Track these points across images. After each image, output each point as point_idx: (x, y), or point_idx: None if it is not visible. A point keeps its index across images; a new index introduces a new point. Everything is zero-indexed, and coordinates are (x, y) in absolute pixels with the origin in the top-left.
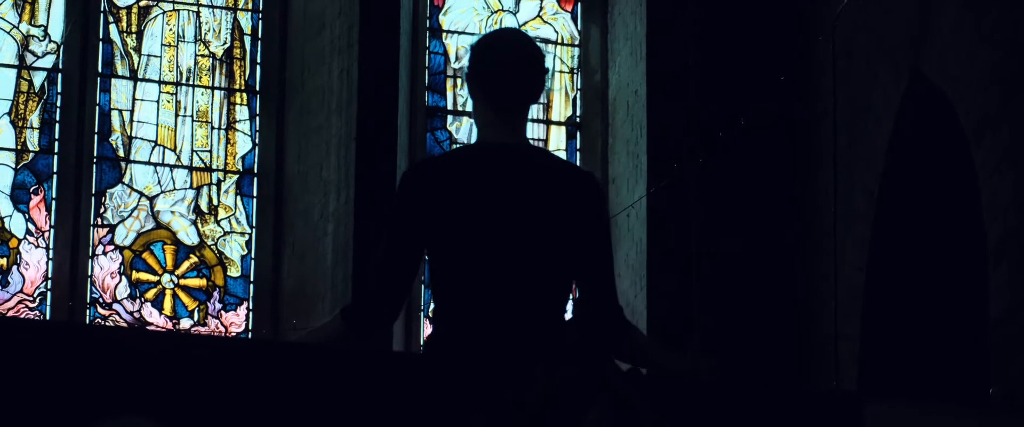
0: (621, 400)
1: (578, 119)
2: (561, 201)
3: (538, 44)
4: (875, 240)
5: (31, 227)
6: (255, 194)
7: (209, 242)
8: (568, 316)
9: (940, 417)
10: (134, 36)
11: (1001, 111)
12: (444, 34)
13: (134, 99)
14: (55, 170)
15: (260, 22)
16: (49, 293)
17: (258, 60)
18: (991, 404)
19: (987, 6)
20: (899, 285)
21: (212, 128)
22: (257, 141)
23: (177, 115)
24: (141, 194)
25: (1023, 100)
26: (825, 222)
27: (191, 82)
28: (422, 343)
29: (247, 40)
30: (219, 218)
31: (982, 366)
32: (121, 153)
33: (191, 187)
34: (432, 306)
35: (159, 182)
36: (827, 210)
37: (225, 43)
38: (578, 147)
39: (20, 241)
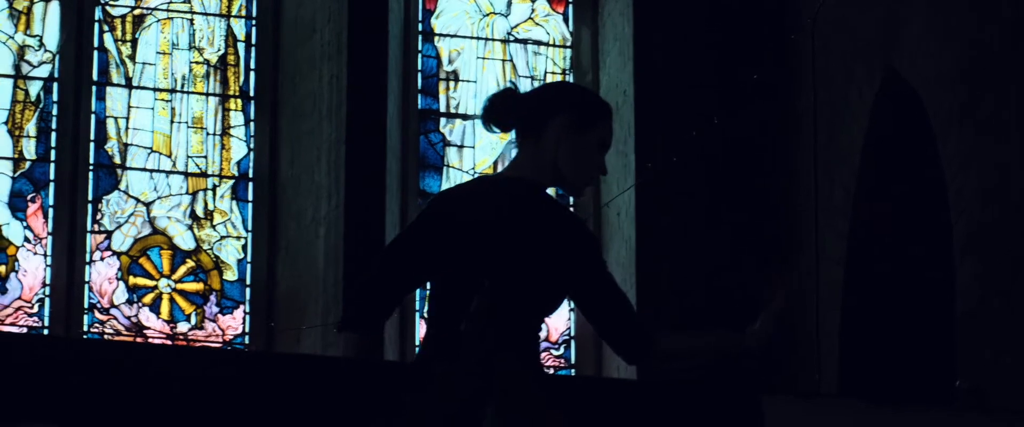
0: (516, 399)
1: None
2: (512, 227)
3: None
4: (853, 235)
5: (29, 234)
6: (250, 198)
7: (205, 246)
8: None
9: (834, 411)
10: (129, 44)
11: (967, 109)
12: (436, 37)
13: (129, 106)
14: (52, 178)
15: (253, 28)
16: (47, 299)
17: (252, 66)
18: (904, 400)
19: (954, 6)
20: (875, 280)
21: (207, 134)
22: (251, 146)
23: (172, 122)
24: (137, 200)
25: (988, 98)
26: (807, 218)
27: (186, 89)
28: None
29: (241, 46)
30: (215, 223)
31: (951, 359)
32: (117, 160)
33: (187, 192)
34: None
35: (155, 188)
36: (808, 206)
37: (219, 50)
38: None
39: (18, 248)
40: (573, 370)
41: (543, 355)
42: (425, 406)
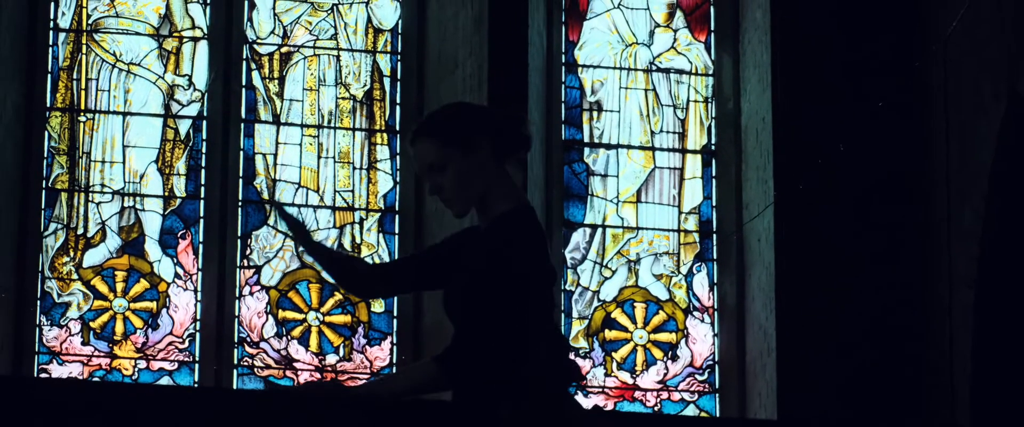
0: None
1: (713, 147)
2: None
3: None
4: (983, 258)
5: (179, 271)
6: (396, 231)
7: None
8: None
9: None
10: (276, 82)
11: None
12: (580, 69)
13: (277, 143)
14: (202, 214)
15: (398, 64)
16: (198, 334)
17: (397, 101)
18: None
19: None
20: (1006, 303)
21: (354, 168)
22: (397, 179)
23: (319, 157)
24: (286, 235)
25: None
26: (940, 240)
27: (332, 124)
28: None
29: (386, 82)
30: (362, 255)
31: None
32: (266, 196)
33: (334, 226)
34: None
35: (303, 223)
36: (941, 229)
37: (365, 85)
38: (714, 174)
39: (169, 284)
40: (717, 395)
41: (688, 380)
42: None
